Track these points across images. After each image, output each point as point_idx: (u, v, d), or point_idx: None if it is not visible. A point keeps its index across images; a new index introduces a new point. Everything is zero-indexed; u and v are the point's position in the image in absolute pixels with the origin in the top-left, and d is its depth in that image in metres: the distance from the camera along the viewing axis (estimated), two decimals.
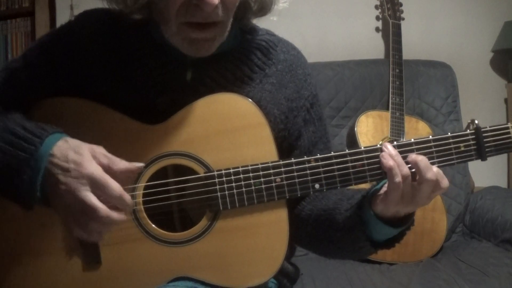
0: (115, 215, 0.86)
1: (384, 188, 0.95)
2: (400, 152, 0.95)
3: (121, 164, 0.89)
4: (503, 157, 2.65)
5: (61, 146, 0.89)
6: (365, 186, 1.01)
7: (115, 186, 0.86)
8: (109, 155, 0.90)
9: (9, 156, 0.89)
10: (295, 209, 1.11)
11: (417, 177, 0.92)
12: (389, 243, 1.02)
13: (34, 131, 0.90)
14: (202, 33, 0.93)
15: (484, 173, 2.44)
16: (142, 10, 0.96)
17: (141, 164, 0.91)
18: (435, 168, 0.93)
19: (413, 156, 0.93)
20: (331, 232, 1.04)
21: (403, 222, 0.98)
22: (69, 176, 0.86)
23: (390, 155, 0.94)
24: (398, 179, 0.91)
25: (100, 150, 0.90)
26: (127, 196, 0.87)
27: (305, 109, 1.11)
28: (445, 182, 0.93)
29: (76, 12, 2.38)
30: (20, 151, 0.89)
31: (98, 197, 0.86)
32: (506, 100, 2.68)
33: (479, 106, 2.63)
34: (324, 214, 1.06)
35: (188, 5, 0.90)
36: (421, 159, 0.92)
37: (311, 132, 1.12)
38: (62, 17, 2.45)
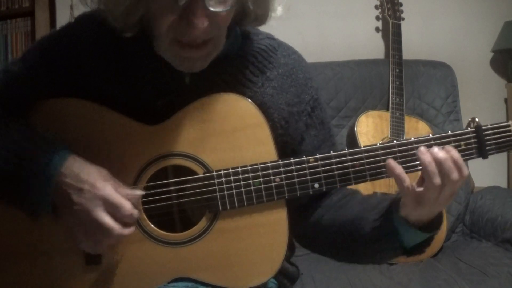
0: (126, 231, 0.91)
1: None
2: (402, 151, 0.95)
3: (123, 190, 0.93)
4: (503, 157, 2.65)
5: (72, 165, 0.91)
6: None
7: (127, 205, 0.91)
8: (114, 178, 0.93)
9: (18, 169, 0.91)
10: (311, 216, 1.10)
11: (442, 181, 0.91)
12: (418, 248, 1.01)
13: (42, 146, 0.92)
14: (195, 51, 0.92)
15: (484, 173, 2.44)
16: (133, 28, 0.95)
17: (141, 193, 0.96)
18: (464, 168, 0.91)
19: (435, 151, 0.91)
20: (358, 243, 1.03)
21: (431, 226, 0.97)
22: (83, 197, 0.89)
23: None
24: (438, 181, 0.90)
25: (105, 173, 0.93)
26: (136, 213, 0.93)
27: (306, 114, 1.10)
28: (464, 170, 0.91)
29: (76, 12, 2.38)
30: (29, 166, 0.90)
31: (111, 215, 0.90)
32: (506, 100, 2.68)
33: (479, 106, 2.63)
34: (350, 224, 1.04)
35: (178, 24, 0.89)
36: (445, 158, 0.90)
37: (313, 136, 1.11)
38: (62, 17, 2.44)
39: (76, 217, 0.90)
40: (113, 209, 0.90)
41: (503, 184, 2.62)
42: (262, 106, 1.03)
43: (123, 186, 0.94)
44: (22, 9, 2.60)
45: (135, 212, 0.92)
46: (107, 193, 0.90)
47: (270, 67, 1.06)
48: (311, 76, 1.13)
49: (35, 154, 0.91)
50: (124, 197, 0.92)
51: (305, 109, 1.09)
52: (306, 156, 0.98)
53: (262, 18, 1.02)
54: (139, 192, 0.95)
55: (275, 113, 1.05)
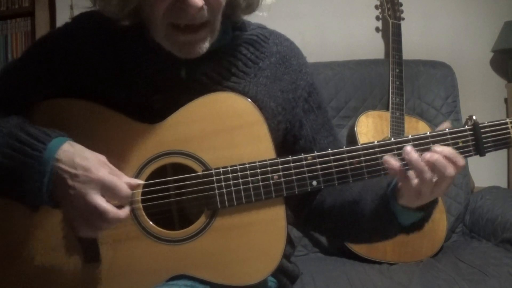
0: (122, 213, 0.91)
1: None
2: (399, 149, 0.96)
3: (122, 177, 0.93)
4: (503, 157, 2.65)
5: (67, 151, 0.91)
6: None
7: (123, 187, 0.91)
8: (111, 165, 0.93)
9: (15, 161, 0.91)
10: (314, 202, 1.13)
11: (437, 178, 0.92)
12: (417, 225, 1.03)
13: (37, 136, 0.92)
14: (192, 36, 0.94)
15: (484, 173, 2.43)
16: (130, 17, 0.97)
17: (140, 182, 0.96)
18: (449, 151, 0.93)
19: (427, 156, 0.92)
20: (360, 223, 1.06)
21: (428, 205, 0.99)
22: (77, 181, 0.89)
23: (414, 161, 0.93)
24: (415, 181, 0.92)
25: (103, 159, 0.92)
26: (129, 193, 0.92)
27: (303, 99, 1.11)
28: (460, 161, 0.93)
29: (76, 12, 2.38)
30: (26, 157, 0.90)
31: (107, 198, 0.90)
32: (506, 100, 2.67)
33: (479, 106, 2.62)
34: (350, 205, 1.07)
35: (173, 8, 0.91)
36: (437, 159, 0.92)
37: (312, 121, 1.12)
38: (62, 17, 2.45)
39: (72, 203, 0.90)
40: (107, 192, 0.90)
41: (503, 184, 2.61)
42: (258, 96, 1.04)
43: (122, 174, 0.93)
44: (22, 9, 2.61)
45: (129, 192, 0.92)
46: (100, 175, 0.89)
47: (262, 57, 1.08)
48: (305, 62, 1.14)
49: (31, 143, 0.91)
50: (119, 179, 0.91)
51: (301, 95, 1.11)
52: (304, 154, 0.98)
53: (254, 4, 1.03)
54: (139, 181, 0.96)
55: (271, 101, 1.07)
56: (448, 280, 1.71)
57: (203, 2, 0.90)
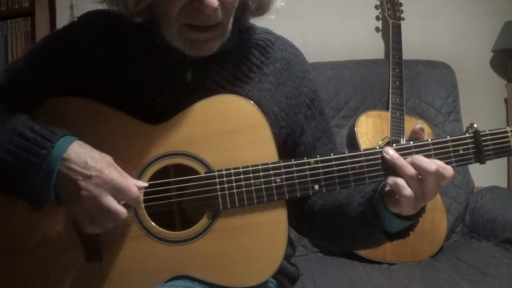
0: (131, 214, 0.94)
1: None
2: (401, 156, 0.96)
3: (129, 178, 0.94)
4: (503, 158, 2.65)
5: (77, 151, 0.91)
6: None
7: (134, 189, 0.92)
8: (118, 167, 0.94)
9: (20, 159, 0.90)
10: (306, 205, 1.13)
11: (421, 175, 0.93)
12: (403, 233, 1.03)
13: (44, 134, 0.91)
14: (204, 34, 0.94)
15: (484, 173, 2.44)
16: (143, 13, 0.97)
17: (146, 184, 0.97)
18: (435, 161, 0.94)
19: (409, 158, 0.94)
20: (345, 226, 1.06)
21: (416, 213, 0.99)
22: (91, 183, 0.90)
23: (392, 159, 0.94)
24: (408, 192, 0.92)
25: (111, 160, 0.93)
26: (140, 196, 0.95)
27: (305, 106, 1.12)
28: (448, 171, 0.94)
29: (76, 12, 2.39)
30: (32, 155, 0.90)
31: (118, 200, 0.91)
32: (506, 100, 2.68)
33: (479, 106, 2.63)
34: (337, 208, 1.07)
35: (188, 9, 0.91)
36: (418, 157, 0.93)
37: (314, 128, 1.13)
38: (62, 17, 2.45)
39: (81, 203, 0.90)
40: (120, 194, 0.91)
41: (503, 184, 2.62)
42: (262, 101, 1.04)
43: (128, 176, 0.94)
44: (22, 9, 2.61)
45: (140, 195, 0.94)
46: (112, 177, 0.90)
47: (267, 62, 1.08)
48: (308, 68, 1.15)
49: (37, 140, 0.91)
50: (129, 181, 0.93)
51: (304, 101, 1.11)
52: (307, 158, 0.98)
53: (264, 7, 1.04)
54: (145, 183, 0.97)
55: (275, 106, 1.07)
56: (448, 280, 1.71)
57: (218, 2, 0.90)
